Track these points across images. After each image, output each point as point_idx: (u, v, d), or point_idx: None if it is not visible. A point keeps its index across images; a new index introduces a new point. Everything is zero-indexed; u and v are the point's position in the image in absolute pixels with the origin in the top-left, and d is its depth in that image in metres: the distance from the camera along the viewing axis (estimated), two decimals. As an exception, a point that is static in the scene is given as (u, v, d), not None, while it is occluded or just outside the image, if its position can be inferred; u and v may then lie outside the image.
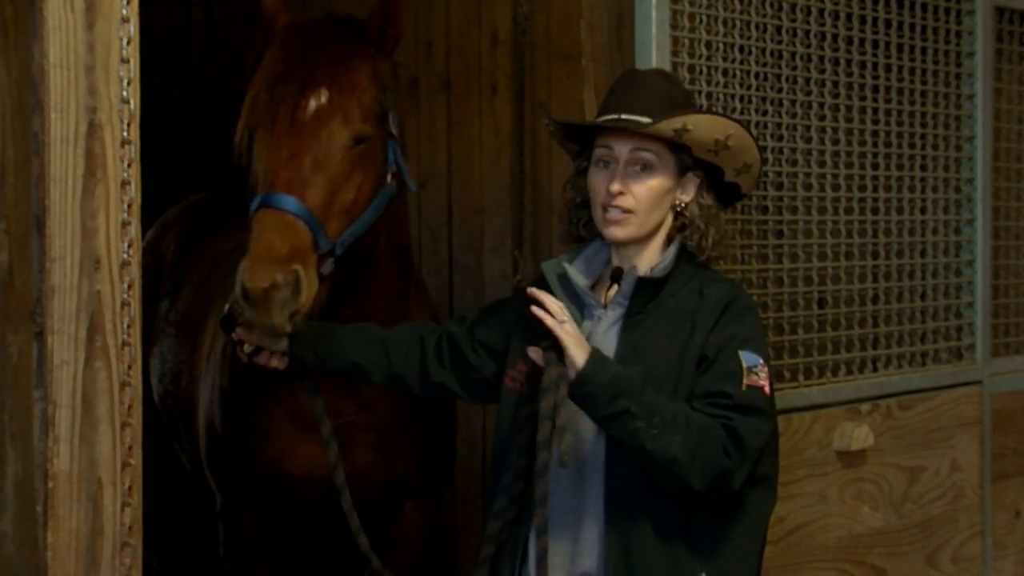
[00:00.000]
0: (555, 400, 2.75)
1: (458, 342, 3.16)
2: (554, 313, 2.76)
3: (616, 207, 2.89)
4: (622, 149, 2.91)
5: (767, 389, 2.80)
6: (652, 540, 2.78)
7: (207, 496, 3.94)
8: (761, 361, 2.81)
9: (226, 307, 3.25)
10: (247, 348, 3.23)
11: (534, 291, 2.80)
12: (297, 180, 3.04)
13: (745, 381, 2.77)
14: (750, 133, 2.97)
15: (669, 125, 2.85)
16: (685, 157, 2.92)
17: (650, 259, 2.94)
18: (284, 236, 2.96)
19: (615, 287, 2.94)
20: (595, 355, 2.74)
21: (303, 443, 3.50)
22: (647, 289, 2.89)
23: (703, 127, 2.88)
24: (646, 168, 2.89)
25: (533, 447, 2.83)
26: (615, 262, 2.98)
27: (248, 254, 2.95)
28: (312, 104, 3.12)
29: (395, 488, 3.58)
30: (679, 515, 2.79)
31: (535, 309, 2.77)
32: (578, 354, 2.73)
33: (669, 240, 2.97)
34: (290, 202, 3.00)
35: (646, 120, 2.87)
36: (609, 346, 2.88)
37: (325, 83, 3.15)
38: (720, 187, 3.01)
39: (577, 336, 2.76)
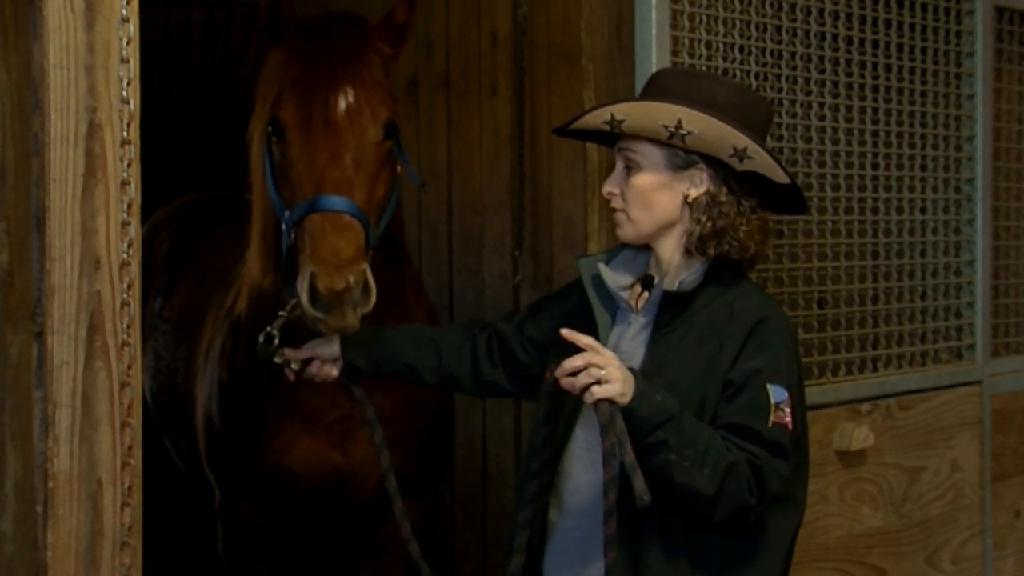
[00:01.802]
0: (616, 438, 2.61)
1: (507, 340, 3.16)
2: (589, 360, 2.63)
3: (612, 207, 2.93)
4: (616, 150, 2.94)
5: (790, 426, 2.74)
6: (660, 556, 2.75)
7: (200, 494, 3.94)
8: (787, 396, 2.74)
9: (262, 335, 3.20)
10: (294, 366, 3.22)
11: (567, 333, 2.71)
12: (344, 180, 3.05)
13: (772, 418, 2.71)
14: (722, 117, 2.83)
15: (597, 117, 2.87)
16: (678, 151, 2.87)
17: (676, 262, 2.91)
18: (347, 238, 2.96)
19: (645, 294, 2.93)
20: (638, 388, 2.65)
21: (303, 436, 3.49)
22: (674, 303, 2.86)
23: (638, 116, 2.83)
24: (632, 166, 2.90)
25: (549, 456, 2.87)
26: (651, 264, 2.97)
27: (314, 259, 2.94)
28: (343, 103, 3.12)
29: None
30: (687, 533, 2.76)
31: (569, 364, 2.64)
32: (624, 393, 2.62)
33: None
34: (344, 203, 3.01)
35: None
36: (636, 355, 2.86)
37: (352, 81, 3.15)
38: (762, 185, 2.91)
39: (619, 375, 2.63)
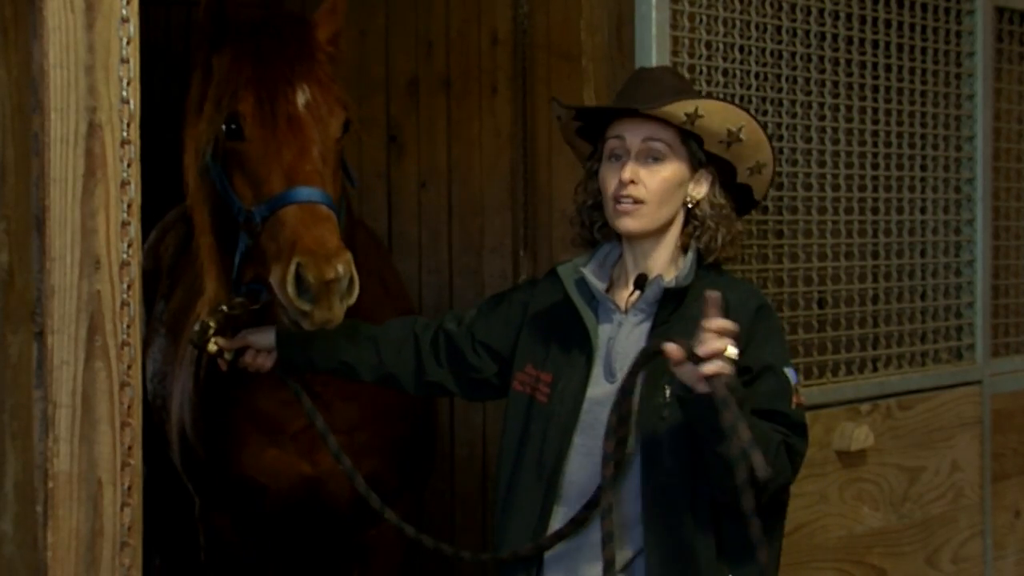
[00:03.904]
0: (733, 416, 2.53)
1: (456, 341, 3.12)
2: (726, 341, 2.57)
3: (628, 197, 2.85)
4: (634, 139, 2.87)
5: (804, 403, 2.85)
6: (690, 543, 2.76)
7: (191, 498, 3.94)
8: (799, 379, 2.87)
9: (196, 324, 3.19)
10: (227, 355, 3.19)
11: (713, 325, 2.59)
12: (315, 173, 2.99)
13: (794, 399, 2.79)
14: (764, 129, 2.95)
15: (681, 108, 2.83)
16: (697, 151, 2.89)
17: (664, 259, 2.92)
18: (329, 228, 2.91)
19: (636, 293, 2.92)
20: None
21: (268, 447, 3.48)
22: (672, 298, 2.87)
23: (716, 114, 2.85)
24: (658, 158, 2.87)
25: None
26: (628, 263, 2.96)
27: (299, 250, 2.86)
28: (303, 99, 3.07)
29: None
30: (713, 519, 2.78)
31: (710, 349, 2.55)
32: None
33: (684, 242, 2.95)
34: (320, 194, 2.95)
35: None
36: (635, 354, 2.85)
37: (308, 78, 3.10)
38: (735, 191, 2.98)
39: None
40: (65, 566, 2.53)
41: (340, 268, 2.85)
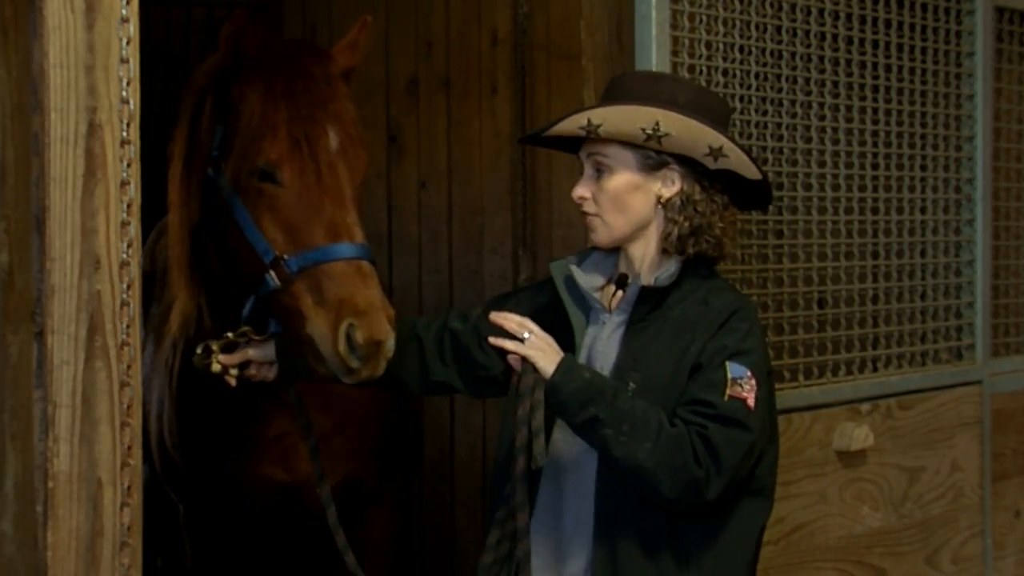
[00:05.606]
0: (531, 404, 2.74)
1: (463, 339, 3.12)
2: (514, 332, 2.78)
3: (584, 212, 2.91)
4: (584, 156, 2.92)
5: (750, 402, 2.73)
6: (639, 547, 2.77)
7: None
8: (748, 374, 2.75)
9: (199, 347, 3.16)
10: (233, 371, 3.19)
11: (493, 316, 2.83)
12: (356, 226, 2.99)
13: (728, 391, 2.72)
14: (698, 117, 2.83)
15: (573, 123, 2.85)
16: (650, 153, 2.86)
17: (649, 260, 2.92)
18: (375, 287, 2.92)
19: (619, 292, 2.93)
20: (564, 364, 2.74)
21: (242, 456, 3.48)
22: (650, 298, 2.87)
23: (616, 120, 2.82)
24: (602, 170, 2.89)
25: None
26: (621, 264, 2.97)
27: (349, 309, 2.87)
28: (338, 145, 3.05)
29: (347, 495, 3.52)
30: (667, 523, 2.77)
31: (493, 340, 2.80)
32: (547, 365, 2.74)
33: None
34: (364, 250, 2.96)
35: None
36: (611, 353, 2.87)
37: (341, 121, 3.08)
38: (731, 182, 2.91)
39: (544, 347, 2.76)
40: (65, 566, 2.53)
41: (389, 329, 2.88)
